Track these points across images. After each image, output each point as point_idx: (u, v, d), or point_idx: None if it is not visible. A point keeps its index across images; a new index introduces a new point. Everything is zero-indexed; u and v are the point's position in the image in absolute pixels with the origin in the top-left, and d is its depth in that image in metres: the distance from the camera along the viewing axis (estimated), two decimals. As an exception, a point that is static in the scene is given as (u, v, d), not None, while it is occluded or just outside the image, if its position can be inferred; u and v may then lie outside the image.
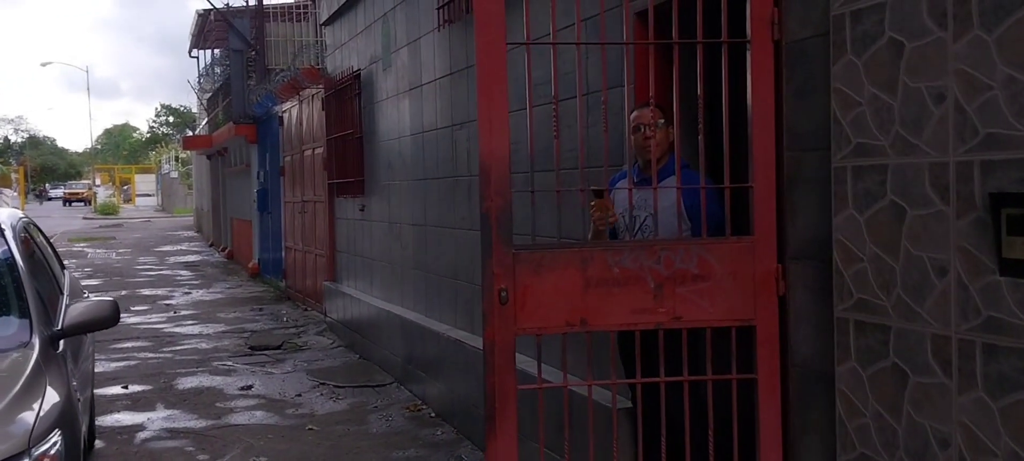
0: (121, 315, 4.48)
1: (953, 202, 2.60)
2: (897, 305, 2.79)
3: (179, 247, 26.26)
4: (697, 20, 3.25)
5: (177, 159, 51.34)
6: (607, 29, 3.37)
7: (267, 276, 16.29)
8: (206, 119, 25.61)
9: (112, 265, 20.51)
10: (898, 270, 2.78)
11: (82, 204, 59.92)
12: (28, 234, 5.09)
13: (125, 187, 67.35)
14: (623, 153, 4.19)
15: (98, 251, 24.53)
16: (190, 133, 34.77)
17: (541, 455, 3.32)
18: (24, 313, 4.07)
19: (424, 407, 7.05)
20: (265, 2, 16.44)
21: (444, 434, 6.36)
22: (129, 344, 10.22)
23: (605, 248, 3.29)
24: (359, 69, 9.19)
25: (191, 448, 6.18)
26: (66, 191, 64.72)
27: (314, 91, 11.58)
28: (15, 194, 52.88)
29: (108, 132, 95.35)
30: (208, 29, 21.85)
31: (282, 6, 16.52)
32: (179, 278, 17.69)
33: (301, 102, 12.62)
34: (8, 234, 4.56)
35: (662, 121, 3.82)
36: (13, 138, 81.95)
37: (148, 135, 77.25)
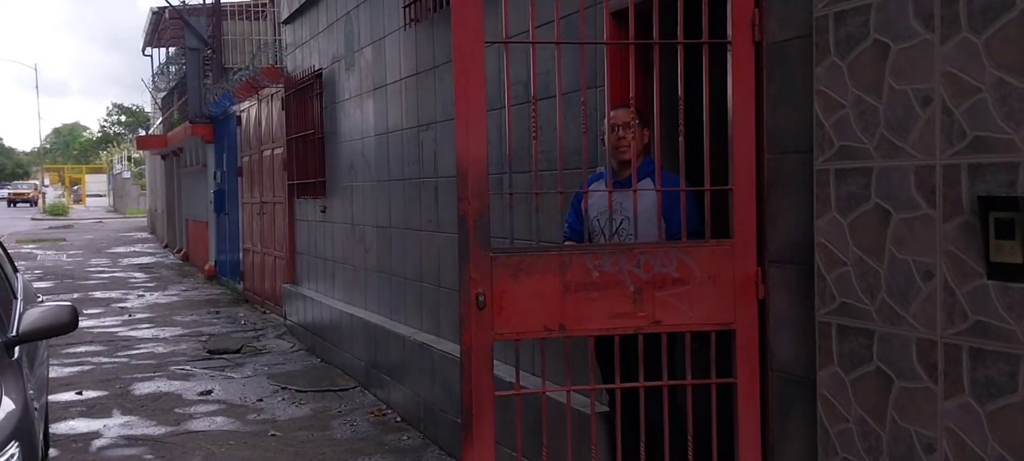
0: (76, 319, 4.32)
1: (940, 205, 2.57)
2: (881, 309, 2.77)
3: (132, 249, 25.77)
4: (678, 20, 3.21)
5: (130, 159, 50.45)
6: (585, 30, 3.31)
7: (224, 278, 16.03)
8: (160, 118, 25.17)
9: (63, 267, 20.05)
10: (882, 274, 2.76)
11: (28, 205, 58.65)
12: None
13: (75, 187, 66.04)
14: (599, 155, 4.14)
15: (48, 253, 23.99)
16: (143, 133, 34.15)
17: (519, 462, 3.25)
18: (-23, 319, 3.91)
19: (389, 412, 6.95)
20: (222, 0, 16.17)
21: (410, 439, 6.26)
22: (82, 348, 9.96)
23: (584, 251, 3.23)
24: (321, 68, 9.06)
25: (150, 456, 6.01)
26: (11, 192, 63.34)
27: (274, 90, 11.40)
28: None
29: (57, 131, 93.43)
30: (163, 27, 21.47)
31: (239, 4, 16.27)
32: (133, 280, 17.34)
33: (260, 102, 12.43)
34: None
35: (638, 122, 3.78)
36: (-43, 137, 79.95)
37: (99, 134, 75.81)
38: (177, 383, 8.19)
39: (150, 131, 30.40)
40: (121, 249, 25.52)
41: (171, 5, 17.55)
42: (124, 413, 7.15)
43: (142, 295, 14.95)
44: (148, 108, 37.38)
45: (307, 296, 9.74)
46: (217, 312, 12.79)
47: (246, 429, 6.61)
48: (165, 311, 13.02)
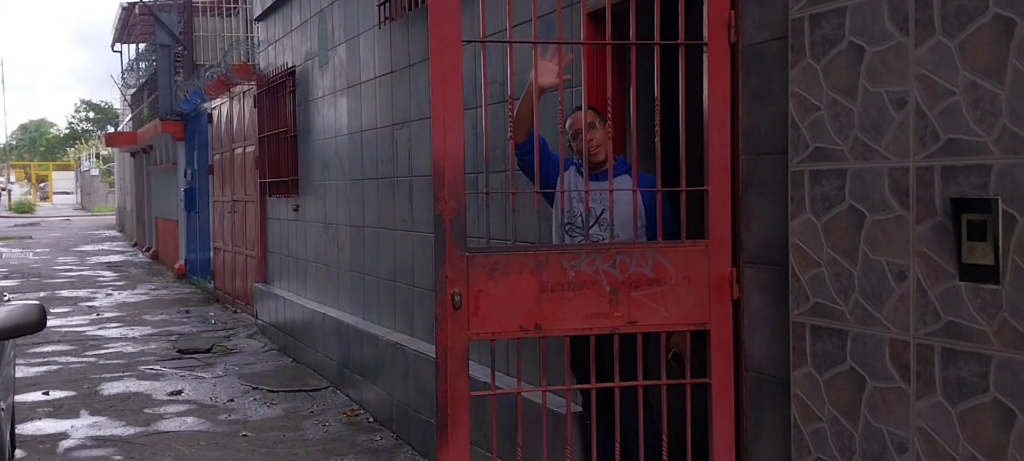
0: (42, 317, 4.26)
1: (913, 207, 2.60)
2: (855, 310, 2.79)
3: (101, 247, 25.48)
4: (654, 21, 3.21)
5: (98, 156, 49.87)
6: (562, 30, 3.31)
7: (194, 277, 15.89)
8: (130, 115, 24.89)
9: (29, 265, 19.79)
10: (856, 275, 2.78)
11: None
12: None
13: (42, 185, 65.18)
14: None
15: (13, 251, 23.66)
16: (112, 130, 33.76)
17: (494, 463, 3.24)
18: (-58, 317, 3.83)
19: (361, 412, 6.92)
20: (193, -3, 16.04)
21: (383, 440, 6.24)
22: (49, 348, 9.83)
23: (561, 251, 3.22)
24: (294, 66, 9.00)
25: (119, 457, 5.94)
26: None
27: (246, 88, 11.31)
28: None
29: (24, 127, 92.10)
30: (133, 23, 21.22)
31: (211, 1, 16.12)
32: (102, 279, 17.14)
33: (232, 99, 12.33)
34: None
35: (599, 120, 3.78)
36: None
37: (67, 131, 74.85)
38: (146, 383, 8.11)
39: (119, 128, 30.06)
40: (89, 247, 25.22)
41: (141, 1, 17.37)
42: (92, 413, 7.06)
43: (110, 294, 14.79)
44: (117, 105, 36.96)
45: (279, 295, 9.67)
46: (187, 311, 12.68)
47: (217, 429, 6.55)
48: (134, 310, 12.88)
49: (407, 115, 6.26)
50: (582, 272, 3.20)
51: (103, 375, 8.46)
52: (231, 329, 10.99)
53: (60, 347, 9.93)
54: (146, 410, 7.14)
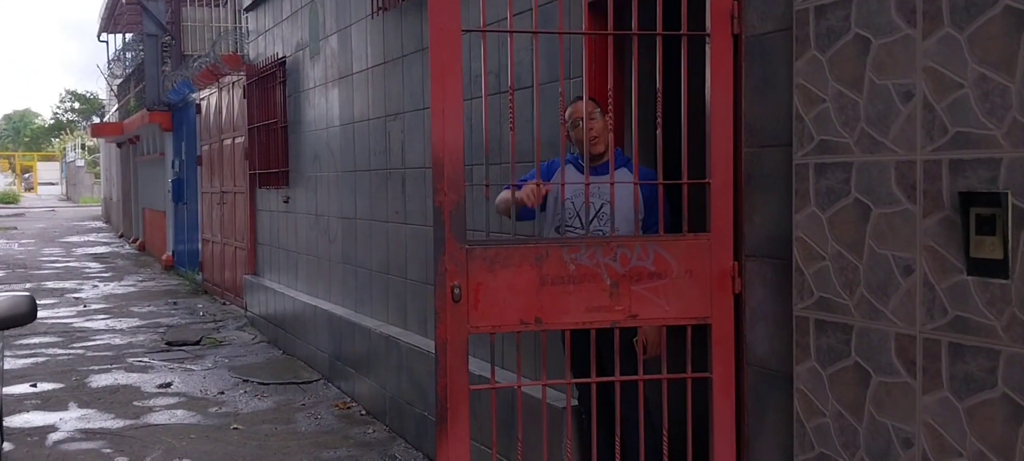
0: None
1: (920, 201, 2.57)
2: (860, 304, 2.77)
3: (87, 238, 25.31)
4: (656, 12, 3.18)
5: (83, 147, 49.54)
6: (560, 20, 3.27)
7: (182, 269, 15.79)
8: (116, 105, 24.70)
9: (14, 256, 19.62)
10: (861, 269, 2.76)
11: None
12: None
13: (27, 175, 64.72)
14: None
15: (-1, 241, 23.47)
16: (97, 120, 33.51)
17: (494, 458, 3.21)
18: (-69, 309, 3.77)
19: (353, 405, 6.87)
20: (181, -14, 15.90)
21: (376, 433, 6.20)
22: (36, 339, 9.74)
23: (561, 244, 3.19)
24: (284, 56, 8.92)
25: (109, 450, 5.88)
26: None
27: (235, 78, 11.22)
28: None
29: (8, 117, 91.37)
30: (119, 12, 21.06)
31: (199, -10, 16.00)
32: (88, 270, 17.02)
33: (221, 90, 12.23)
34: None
35: (598, 111, 3.75)
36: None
37: (52, 121, 74.28)
38: (135, 375, 8.04)
39: (105, 119, 29.84)
40: (75, 238, 25.05)
41: (128, -10, 17.23)
42: (81, 406, 7.00)
43: (97, 285, 14.68)
44: (103, 95, 36.69)
45: (269, 287, 9.61)
46: (175, 303, 12.60)
47: (207, 422, 6.50)
48: (122, 302, 12.79)
49: (400, 106, 6.21)
50: (583, 265, 3.17)
51: (91, 367, 8.39)
52: (220, 321, 10.92)
53: (47, 339, 9.84)
54: (135, 402, 7.07)
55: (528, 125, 4.33)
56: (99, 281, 15.26)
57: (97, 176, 42.22)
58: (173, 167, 15.98)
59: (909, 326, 2.62)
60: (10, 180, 61.59)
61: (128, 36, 23.21)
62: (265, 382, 7.66)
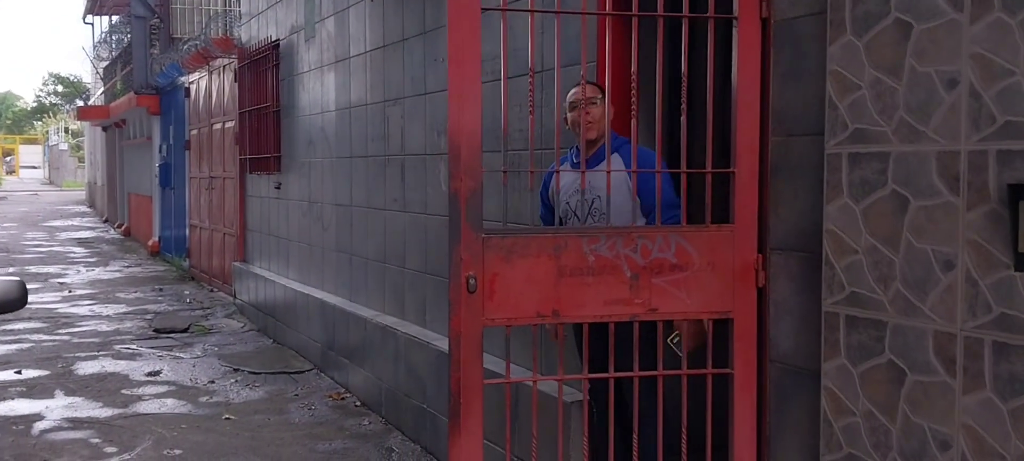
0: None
1: (964, 193, 2.46)
2: (895, 300, 2.66)
3: (71, 222, 25.02)
4: (682, -7, 3.06)
5: (67, 130, 49.03)
6: (572, 3, 3.14)
7: (168, 254, 15.59)
8: (102, 89, 24.39)
9: (-3, 240, 19.36)
10: (898, 263, 2.65)
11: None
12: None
13: (8, 158, 64.05)
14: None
15: (-19, 225, 23.15)
16: (81, 103, 33.10)
17: (508, 457, 3.09)
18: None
19: (348, 395, 6.74)
20: (170, -33, 15.66)
21: (371, 424, 6.06)
22: (20, 325, 9.54)
23: (580, 234, 3.07)
24: (278, 39, 8.75)
25: (97, 440, 5.73)
26: None
27: (226, 61, 11.03)
28: None
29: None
30: (106, -6, 20.77)
31: (188, -28, 15.76)
32: (73, 255, 16.78)
33: (211, 73, 12.03)
34: None
35: (600, 97, 3.62)
36: None
37: (34, 104, 73.48)
38: (123, 363, 7.87)
39: (89, 102, 29.49)
40: (59, 222, 24.75)
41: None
42: (67, 394, 6.83)
43: (82, 271, 14.47)
44: (87, 79, 36.25)
45: (259, 274, 9.45)
46: (161, 289, 12.41)
47: (198, 412, 6.35)
48: (107, 287, 12.59)
49: (400, 92, 6.07)
50: (602, 256, 3.05)
51: (77, 354, 8.21)
52: (208, 308, 10.74)
53: (32, 324, 9.65)
54: (123, 391, 6.91)
55: (544, 111, 4.20)
56: (84, 266, 15.04)
57: (81, 160, 41.79)
58: (160, 151, 15.76)
59: (949, 323, 2.52)
60: (-9, 163, 60.97)
61: (114, 18, 22.90)
62: (256, 371, 7.51)
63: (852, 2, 2.75)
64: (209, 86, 12.24)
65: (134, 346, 8.59)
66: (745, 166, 3.09)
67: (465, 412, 3.00)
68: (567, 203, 3.73)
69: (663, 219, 3.35)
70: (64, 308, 10.79)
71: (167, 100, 15.43)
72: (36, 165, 63.22)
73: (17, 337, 8.95)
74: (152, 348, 8.50)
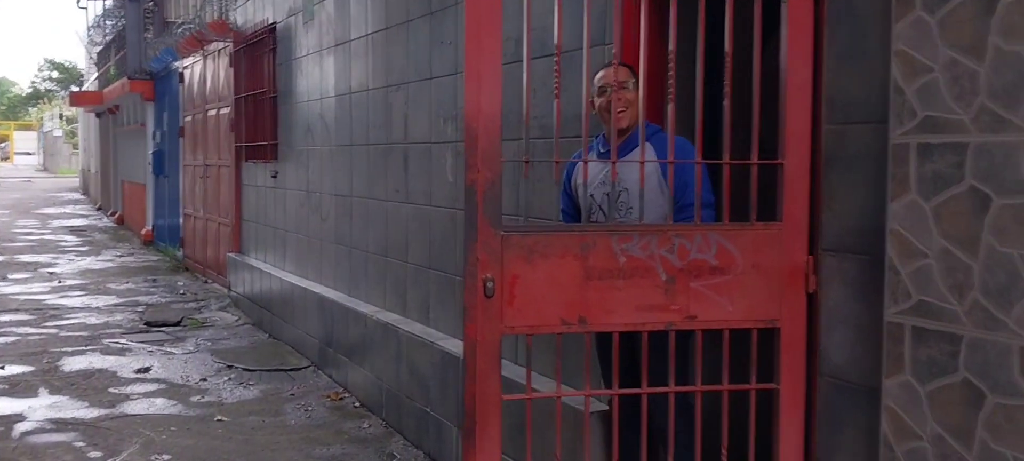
0: None
1: (1060, 191, 2.15)
2: (973, 311, 2.35)
3: (63, 210, 24.67)
4: (727, -36, 2.73)
5: (61, 117, 48.63)
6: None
7: (162, 244, 15.25)
8: (96, 74, 24.01)
9: (-12, 227, 19.01)
10: (976, 269, 2.33)
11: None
12: None
13: (2, 145, 63.61)
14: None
15: (-28, 212, 22.80)
16: (76, 89, 32.70)
17: (528, 478, 2.78)
18: None
19: (346, 395, 6.42)
20: (165, -50, 15.29)
21: (371, 427, 5.75)
22: (6, 317, 9.21)
23: (610, 232, 2.75)
24: (275, 22, 8.41)
25: (81, 443, 5.40)
26: None
27: (221, 46, 10.68)
28: None
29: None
30: (99, -23, 20.37)
31: (183, -45, 15.39)
32: (64, 244, 16.44)
33: (206, 58, 11.68)
34: None
35: (632, 80, 3.30)
36: None
37: (29, 90, 72.95)
38: (112, 358, 7.55)
39: (84, 88, 29.10)
40: (51, 210, 24.40)
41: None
42: (52, 392, 6.50)
43: (73, 260, 14.13)
44: (82, 64, 35.86)
45: (255, 266, 9.12)
46: (155, 280, 12.08)
47: (189, 413, 6.03)
48: (98, 278, 12.25)
49: (403, 76, 5.74)
50: (634, 257, 2.74)
51: (64, 349, 7.88)
52: (202, 301, 10.42)
53: (18, 316, 9.31)
54: (111, 389, 6.59)
55: (565, 94, 3.87)
56: (75, 255, 14.70)
57: (75, 147, 41.41)
58: (154, 138, 15.41)
59: (1040, 340, 2.20)
60: (-14, 149, 60.55)
61: (108, 2, 22.51)
62: (251, 368, 7.19)
63: (924, -27, 2.44)
64: (204, 71, 11.89)
65: (124, 340, 8.26)
66: (795, 157, 2.78)
67: (481, 430, 2.69)
68: (591, 195, 3.41)
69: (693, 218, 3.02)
70: (53, 299, 10.46)
71: (161, 86, 15.08)
72: (31, 151, 62.80)
73: (1, 330, 8.62)
74: (143, 343, 8.18)
